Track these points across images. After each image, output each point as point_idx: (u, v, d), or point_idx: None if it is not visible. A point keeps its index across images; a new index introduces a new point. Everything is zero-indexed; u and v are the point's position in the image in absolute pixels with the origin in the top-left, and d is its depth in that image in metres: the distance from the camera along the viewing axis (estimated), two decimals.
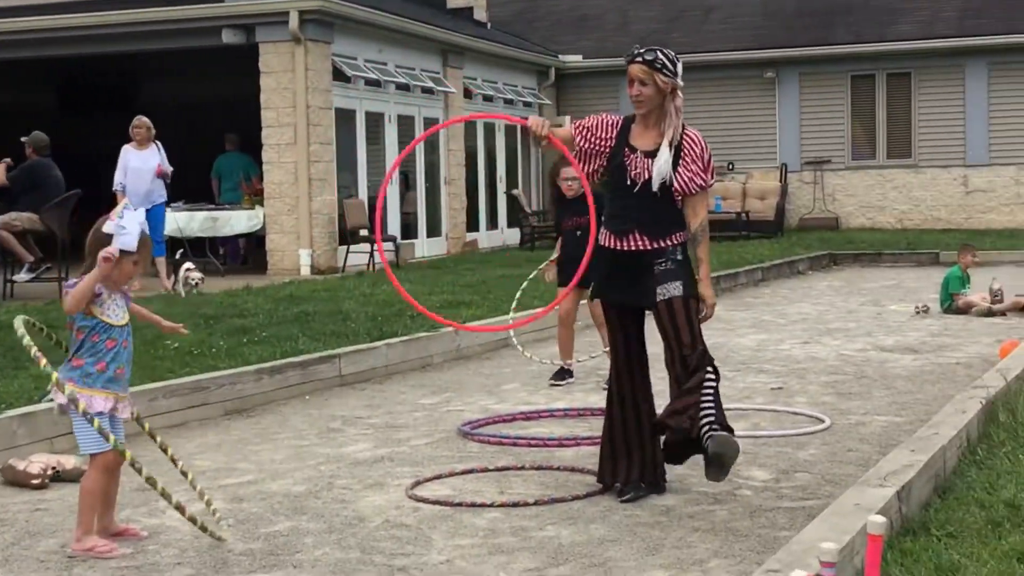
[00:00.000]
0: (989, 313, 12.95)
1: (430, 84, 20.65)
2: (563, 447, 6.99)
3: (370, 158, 19.36)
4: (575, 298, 9.20)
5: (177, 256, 14.94)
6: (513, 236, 23.57)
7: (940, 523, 4.88)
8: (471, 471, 6.42)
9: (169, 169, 14.89)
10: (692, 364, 5.62)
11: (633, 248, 5.76)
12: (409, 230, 20.41)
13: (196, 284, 13.54)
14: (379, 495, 6.00)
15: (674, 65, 5.74)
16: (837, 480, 6.05)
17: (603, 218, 5.96)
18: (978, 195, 24.62)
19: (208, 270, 15.06)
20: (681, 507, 5.67)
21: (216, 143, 19.80)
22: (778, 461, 6.47)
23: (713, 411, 5.57)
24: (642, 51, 5.75)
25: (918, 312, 13.33)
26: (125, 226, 5.08)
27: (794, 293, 16.20)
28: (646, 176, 5.73)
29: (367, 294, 13.34)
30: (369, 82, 19.14)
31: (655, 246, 5.74)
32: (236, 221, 18.14)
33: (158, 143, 14.89)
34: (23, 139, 14.53)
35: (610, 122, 5.91)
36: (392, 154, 19.88)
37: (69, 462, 6.40)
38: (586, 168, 5.94)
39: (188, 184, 17.38)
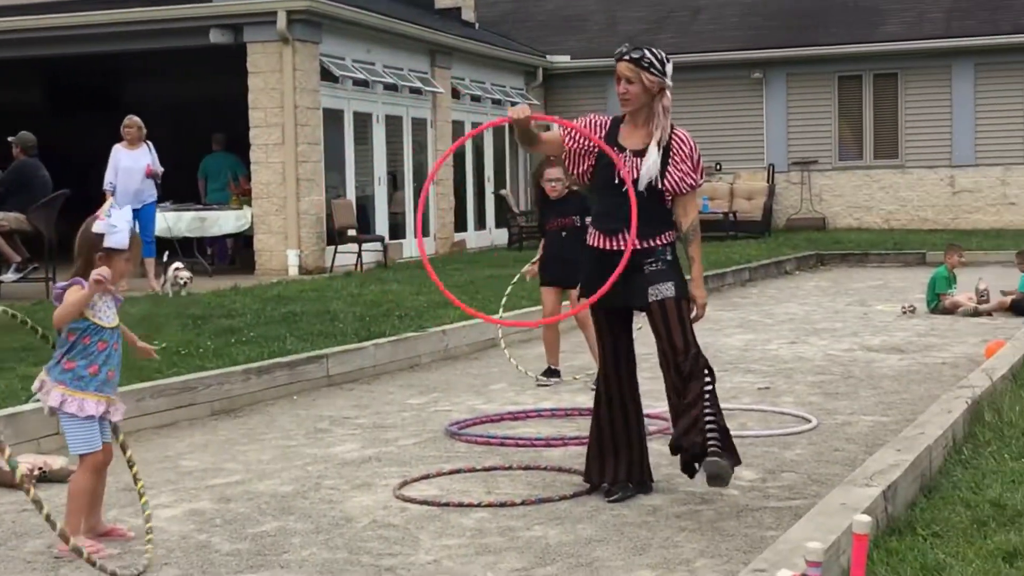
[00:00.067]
0: (975, 313, 13.00)
1: (418, 84, 20.64)
2: (550, 447, 7.00)
3: (358, 158, 19.35)
4: (558, 299, 9.21)
5: (165, 257, 14.91)
6: (501, 236, 23.57)
7: (926, 522, 4.89)
8: (458, 471, 6.43)
9: (160, 169, 14.87)
10: (686, 370, 5.62)
11: (622, 248, 5.74)
12: (397, 230, 20.40)
13: (185, 283, 13.53)
14: (367, 495, 6.00)
15: (663, 65, 5.72)
16: (823, 480, 6.07)
17: (591, 218, 5.97)
18: (964, 195, 24.70)
19: (196, 270, 15.03)
20: (668, 507, 5.68)
21: (203, 143, 19.77)
22: (765, 461, 6.49)
23: (715, 421, 5.58)
24: (630, 49, 5.76)
25: (905, 312, 13.37)
26: (115, 224, 5.08)
27: (781, 293, 16.23)
28: (635, 175, 5.73)
29: (355, 294, 13.34)
30: (357, 82, 19.13)
31: (644, 246, 5.73)
32: (224, 221, 18.12)
33: (149, 143, 14.88)
34: (10, 139, 14.50)
35: (598, 122, 5.91)
36: (380, 154, 19.88)
37: (56, 462, 6.39)
38: (576, 169, 5.93)
39: (175, 184, 17.34)
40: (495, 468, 6.49)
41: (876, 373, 9.42)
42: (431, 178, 6.27)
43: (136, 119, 14.87)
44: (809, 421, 7.49)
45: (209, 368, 8.66)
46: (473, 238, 22.88)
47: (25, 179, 14.04)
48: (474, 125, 23.20)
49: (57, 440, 6.93)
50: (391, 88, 20.00)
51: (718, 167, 25.13)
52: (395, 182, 20.74)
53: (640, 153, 5.74)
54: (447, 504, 5.74)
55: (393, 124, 20.30)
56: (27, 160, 14.19)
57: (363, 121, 19.49)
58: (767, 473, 6.23)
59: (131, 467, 5.31)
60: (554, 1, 29.21)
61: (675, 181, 5.75)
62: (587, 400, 8.35)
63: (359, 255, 17.79)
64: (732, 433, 5.71)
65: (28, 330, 5.35)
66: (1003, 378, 7.57)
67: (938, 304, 13.32)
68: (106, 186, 14.66)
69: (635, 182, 5.72)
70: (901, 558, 4.42)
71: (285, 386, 8.93)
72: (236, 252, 19.54)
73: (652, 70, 5.69)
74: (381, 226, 19.74)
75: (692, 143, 5.82)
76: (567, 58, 26.23)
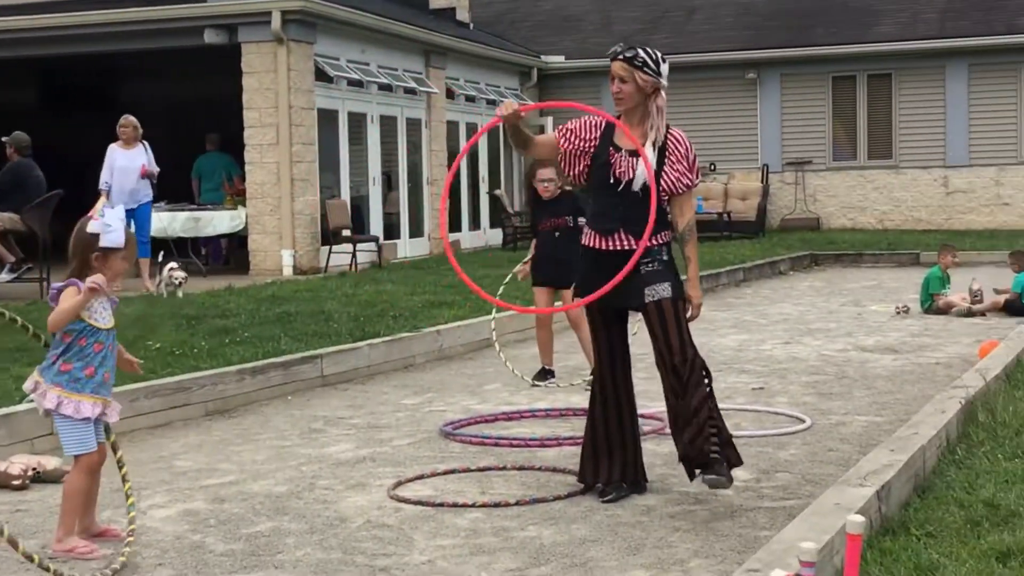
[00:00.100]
0: (969, 313, 13.01)
1: (412, 84, 20.64)
2: (545, 447, 7.00)
3: (352, 158, 19.34)
4: (551, 299, 9.21)
5: (160, 257, 14.89)
6: (495, 236, 23.57)
7: (919, 522, 4.90)
8: (453, 471, 6.43)
9: (156, 169, 14.86)
10: (685, 375, 5.63)
11: (618, 248, 5.75)
12: (391, 231, 20.39)
13: (180, 283, 13.51)
14: (361, 495, 6.00)
15: (657, 64, 5.71)
16: (817, 480, 6.08)
17: (587, 218, 5.97)
18: (958, 196, 24.73)
19: (190, 270, 15.02)
20: (662, 507, 5.69)
21: (198, 143, 19.76)
22: (759, 461, 6.49)
23: (716, 427, 5.61)
24: (624, 49, 5.76)
25: (898, 312, 13.39)
26: (110, 223, 5.08)
27: (775, 293, 16.24)
28: (630, 175, 5.73)
29: (349, 294, 13.33)
30: (351, 82, 19.12)
31: (640, 246, 5.73)
32: (218, 221, 18.10)
33: (145, 143, 14.87)
34: (4, 139, 14.48)
35: (593, 123, 5.91)
36: (375, 155, 19.87)
37: (50, 463, 6.38)
38: (571, 171, 5.92)
39: (169, 185, 17.33)
40: (489, 468, 6.49)
41: (870, 373, 9.43)
42: (452, 173, 6.18)
43: (132, 119, 14.86)
44: (803, 421, 7.50)
45: (203, 368, 8.66)
46: (467, 238, 22.88)
47: (19, 179, 14.03)
48: (468, 125, 23.22)
49: (51, 440, 6.92)
50: (386, 88, 20.00)
51: (712, 167, 25.15)
52: (390, 182, 20.73)
53: (635, 153, 5.74)
54: (441, 504, 5.74)
55: (388, 124, 20.29)
56: (21, 160, 14.18)
57: (358, 121, 19.49)
58: (761, 473, 6.24)
59: (120, 467, 5.30)
60: (549, 1, 29.21)
61: (671, 181, 5.75)
62: (581, 400, 8.35)
63: (353, 255, 17.78)
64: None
65: (19, 328, 5.33)
66: (997, 378, 7.58)
67: (932, 304, 13.34)
68: (102, 186, 14.65)
69: (631, 182, 5.72)
70: (895, 558, 4.43)
71: (279, 386, 8.93)
72: (230, 252, 19.52)
73: (646, 69, 5.70)
74: (375, 226, 19.73)
75: (688, 143, 5.83)
76: (562, 58, 26.24)
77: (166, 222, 17.41)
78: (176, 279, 13.53)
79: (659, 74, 5.72)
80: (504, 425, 7.76)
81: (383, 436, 7.47)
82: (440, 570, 4.83)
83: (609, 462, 5.88)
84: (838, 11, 26.05)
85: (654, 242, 5.74)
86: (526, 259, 9.52)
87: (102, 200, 5.27)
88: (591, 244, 5.86)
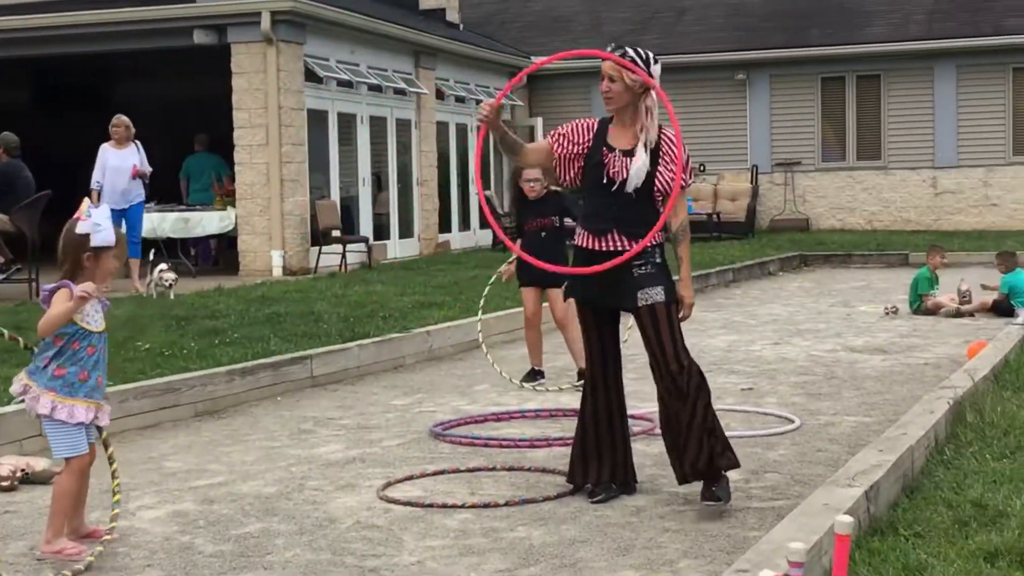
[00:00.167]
0: (957, 314, 13.05)
1: (402, 85, 20.63)
2: (534, 448, 7.01)
3: (342, 159, 19.33)
4: (539, 299, 9.21)
5: (151, 257, 14.86)
6: (485, 237, 23.57)
7: (908, 523, 4.91)
8: (442, 472, 6.43)
9: (148, 170, 14.84)
10: (685, 386, 5.64)
11: (611, 248, 5.74)
12: (381, 231, 20.39)
13: (170, 285, 13.47)
14: (350, 496, 6.00)
15: (647, 64, 5.71)
16: (806, 480, 6.09)
17: (579, 218, 5.97)
18: (947, 197, 24.79)
19: (180, 271, 15.00)
20: (651, 507, 5.69)
21: (188, 143, 19.73)
22: (748, 462, 6.49)
23: (717, 436, 5.65)
24: (614, 48, 5.76)
25: (887, 313, 13.41)
26: (99, 223, 5.07)
27: (765, 294, 16.26)
28: (624, 175, 5.72)
29: (339, 295, 13.33)
30: (341, 83, 19.11)
31: (633, 246, 5.74)
32: (208, 222, 18.08)
33: (137, 143, 14.85)
34: None
35: (586, 126, 5.91)
36: (364, 155, 19.85)
37: (39, 464, 6.37)
38: (566, 175, 5.91)
39: (160, 185, 17.30)
40: (479, 469, 6.49)
41: (859, 374, 9.45)
42: (478, 165, 6.18)
43: (124, 118, 14.84)
44: (792, 422, 7.51)
45: (193, 369, 8.65)
46: (458, 239, 22.88)
47: (8, 180, 13.99)
48: (458, 126, 23.22)
49: (40, 441, 6.90)
50: (375, 89, 19.99)
51: (702, 168, 25.16)
52: (379, 183, 20.73)
53: (629, 153, 5.74)
54: (431, 505, 5.74)
55: (377, 125, 20.28)
56: (10, 161, 14.14)
57: (347, 122, 19.47)
58: (750, 474, 6.25)
59: (111, 463, 5.29)
60: (539, 2, 29.22)
61: (665, 181, 5.75)
62: (570, 401, 8.37)
63: (343, 256, 17.78)
64: None
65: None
66: (985, 379, 7.60)
67: (920, 305, 13.37)
68: (93, 185, 14.64)
69: (624, 182, 5.72)
70: (883, 558, 4.44)
71: (269, 387, 8.92)
72: (220, 253, 19.50)
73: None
74: (365, 227, 19.72)
75: (682, 143, 5.83)
76: None
77: (156, 222, 17.39)
78: (166, 281, 13.49)
79: (649, 73, 5.71)
80: (494, 426, 7.77)
81: (373, 437, 7.47)
82: (429, 571, 4.83)
83: (599, 463, 5.89)
84: (827, 13, 26.09)
85: (646, 244, 5.73)
86: (510, 259, 9.52)
87: (86, 200, 5.23)
88: (584, 245, 5.85)
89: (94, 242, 5.04)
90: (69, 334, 5.04)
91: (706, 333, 11.97)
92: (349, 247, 18.00)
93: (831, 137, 25.41)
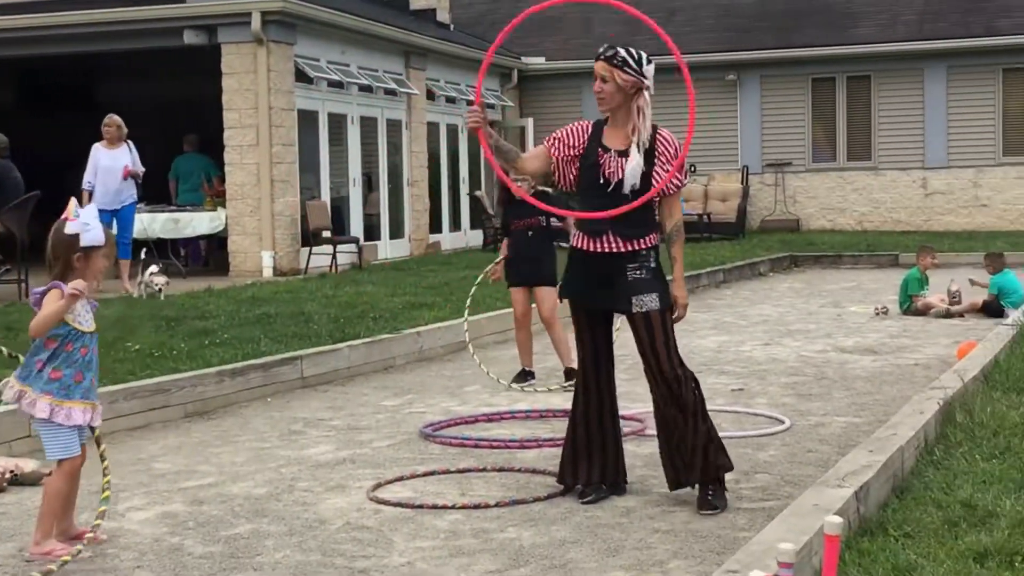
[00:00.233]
0: (947, 315, 13.07)
1: (393, 86, 20.61)
2: (525, 449, 7.00)
3: (333, 160, 19.30)
4: (528, 299, 9.21)
5: (142, 256, 14.80)
6: (476, 237, 23.56)
7: (898, 523, 4.92)
8: (433, 473, 6.43)
9: (140, 169, 14.81)
10: (683, 399, 5.67)
11: (606, 250, 5.74)
12: (372, 232, 20.37)
13: (159, 289, 13.35)
14: (340, 497, 6.00)
15: (639, 64, 5.69)
16: (796, 481, 6.09)
17: (575, 219, 5.96)
18: (937, 197, 24.84)
19: (170, 272, 14.96)
20: (642, 508, 5.69)
21: (178, 144, 19.69)
22: (738, 462, 6.49)
23: (714, 441, 5.71)
24: (605, 48, 5.76)
25: (877, 313, 13.44)
26: (88, 222, 5.07)
27: (755, 295, 16.28)
28: (620, 175, 5.72)
29: (329, 296, 13.32)
30: (332, 83, 19.09)
31: (629, 248, 5.72)
32: (198, 222, 18.05)
33: (130, 143, 14.81)
34: None
35: (580, 128, 5.92)
36: (355, 156, 19.84)
37: (28, 465, 6.36)
38: (564, 179, 5.90)
39: (150, 185, 17.27)
40: (469, 470, 6.49)
41: (849, 374, 9.46)
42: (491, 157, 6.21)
43: (116, 118, 14.81)
44: (782, 422, 7.52)
45: (183, 370, 8.64)
46: (448, 239, 22.87)
47: None
48: (449, 127, 23.20)
49: (29, 443, 6.90)
50: (366, 89, 19.97)
51: (692, 169, 25.19)
52: (370, 184, 20.72)
53: (624, 153, 5.74)
54: (421, 506, 5.74)
55: (368, 125, 20.26)
56: None
57: (338, 122, 19.46)
58: (740, 474, 6.25)
59: (103, 460, 5.27)
60: (529, 3, 29.15)
61: (662, 181, 5.74)
62: (561, 402, 8.37)
63: (334, 256, 17.76)
64: None
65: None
66: (974, 379, 7.61)
67: (910, 305, 13.39)
68: (85, 185, 14.60)
69: (620, 183, 5.72)
70: (873, 559, 4.44)
71: (259, 388, 8.91)
72: (210, 253, 19.47)
73: (626, 68, 5.68)
74: (356, 227, 19.70)
75: (677, 143, 5.83)
76: (542, 60, 26.26)
77: (146, 223, 17.35)
78: (156, 285, 13.37)
79: (641, 74, 5.71)
80: (484, 426, 7.76)
81: (363, 438, 7.47)
82: (419, 572, 4.83)
83: (589, 464, 5.89)
84: (818, 13, 26.13)
85: (641, 245, 5.73)
86: (497, 260, 9.50)
87: (73, 201, 5.22)
88: (579, 245, 5.85)
89: (84, 242, 5.04)
90: (62, 336, 5.03)
91: (696, 334, 11.97)
92: (339, 248, 17.98)
93: (821, 138, 25.45)
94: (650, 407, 6.00)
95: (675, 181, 5.77)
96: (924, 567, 4.35)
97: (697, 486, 5.70)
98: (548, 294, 9.08)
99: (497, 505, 5.73)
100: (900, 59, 24.64)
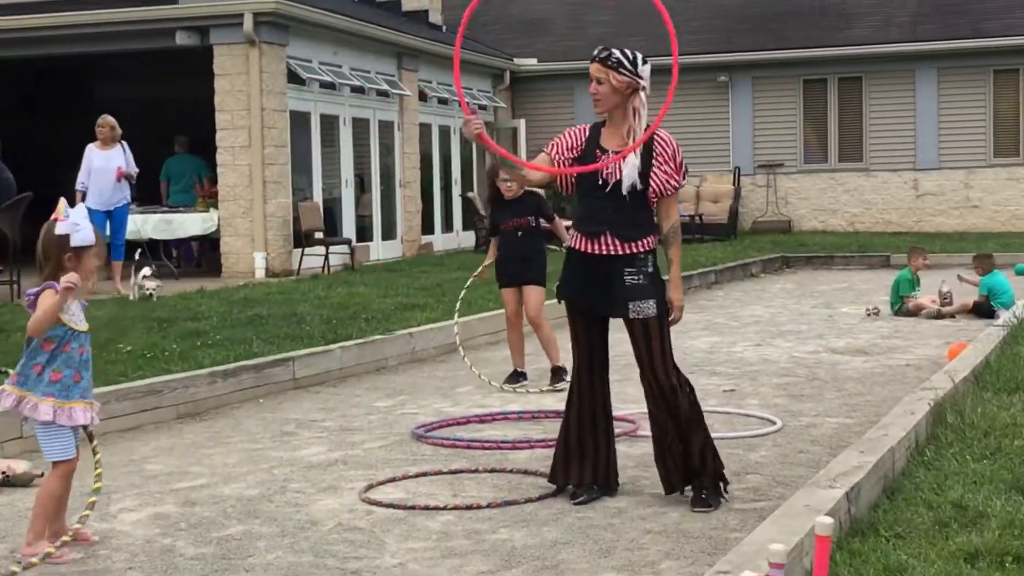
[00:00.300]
0: (938, 315, 13.09)
1: (385, 87, 20.61)
2: (517, 450, 7.01)
3: (325, 161, 19.30)
4: (519, 299, 9.21)
5: (136, 257, 14.78)
6: (468, 239, 23.57)
7: (888, 524, 4.93)
8: (425, 474, 6.43)
9: (134, 170, 14.79)
10: (678, 408, 5.71)
11: (604, 252, 5.74)
12: (364, 233, 20.36)
13: (150, 293, 13.27)
14: (332, 498, 6.00)
15: (634, 64, 5.70)
16: (788, 481, 6.11)
17: (574, 221, 5.97)
18: (928, 198, 24.88)
19: (162, 273, 14.94)
20: (633, 509, 5.70)
21: (169, 145, 19.66)
22: (730, 463, 6.50)
23: (711, 450, 5.76)
24: (600, 50, 5.77)
25: (869, 314, 13.46)
26: (78, 223, 5.08)
27: (747, 296, 16.30)
28: (617, 176, 5.73)
29: (321, 297, 13.31)
30: (324, 84, 19.08)
31: (627, 251, 5.72)
32: (190, 223, 18.03)
33: (124, 144, 14.79)
34: None
35: (578, 130, 5.93)
36: (347, 157, 19.83)
37: (19, 466, 6.35)
38: (564, 183, 5.91)
39: (139, 186, 17.24)
40: (461, 471, 6.50)
41: (840, 375, 9.48)
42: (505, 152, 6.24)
43: (110, 119, 14.79)
44: (774, 423, 7.53)
45: (175, 371, 8.63)
46: (440, 240, 22.87)
47: None
48: (441, 128, 23.20)
49: (20, 444, 6.89)
50: (358, 91, 19.97)
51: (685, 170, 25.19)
52: (362, 185, 20.71)
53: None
54: (413, 507, 5.74)
55: (360, 127, 20.26)
56: None
57: (330, 123, 19.45)
58: (732, 475, 6.24)
59: (95, 454, 5.24)
60: (520, 4, 29.22)
61: (661, 183, 5.75)
62: (553, 403, 8.37)
63: (326, 258, 17.75)
64: None
65: None
66: (965, 380, 7.62)
67: (902, 306, 13.42)
68: (78, 186, 14.59)
69: (618, 183, 5.73)
70: (864, 559, 4.45)
71: (251, 389, 8.91)
72: (202, 255, 19.45)
73: (621, 70, 5.68)
74: (348, 229, 19.70)
75: (675, 144, 5.83)
76: (534, 61, 26.27)
77: (138, 224, 17.31)
78: (147, 289, 13.29)
79: (636, 74, 5.71)
80: (476, 427, 7.77)
81: (355, 439, 7.47)
82: (411, 573, 4.83)
83: (581, 464, 5.90)
84: (809, 15, 26.17)
85: (639, 248, 5.74)
86: (485, 263, 9.49)
87: (62, 201, 5.22)
88: (577, 247, 5.86)
89: (74, 242, 5.04)
90: (59, 336, 5.04)
91: (688, 335, 11.98)
92: (332, 249, 17.97)
93: (813, 139, 25.48)
94: (642, 408, 6.01)
95: (673, 182, 5.78)
96: (915, 568, 4.36)
97: (692, 483, 5.74)
98: (536, 294, 9.09)
99: (489, 506, 5.74)
100: (891, 61, 24.68)
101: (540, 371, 9.68)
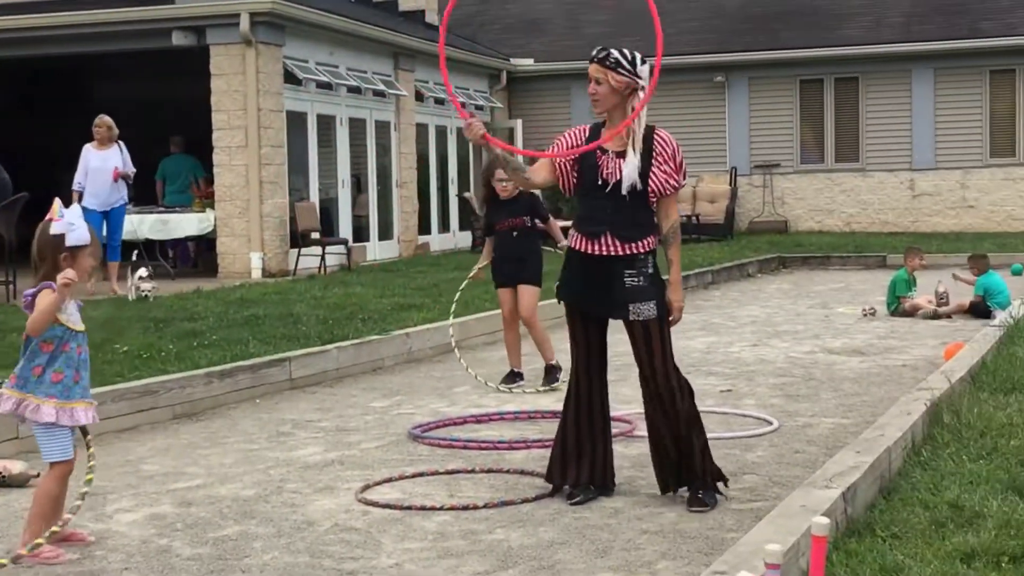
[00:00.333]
0: (935, 316, 13.10)
1: (381, 87, 20.61)
2: (513, 450, 7.01)
3: (321, 161, 19.29)
4: (514, 299, 9.21)
5: (133, 258, 14.75)
6: (465, 239, 23.57)
7: (885, 524, 4.93)
8: (421, 474, 6.43)
9: (131, 170, 14.77)
10: (678, 411, 5.72)
11: (604, 253, 5.73)
12: (361, 233, 20.36)
13: (146, 295, 13.24)
14: (329, 499, 5.99)
15: (633, 64, 5.70)
16: (784, 482, 6.11)
17: (574, 221, 5.97)
18: (924, 199, 24.90)
19: (158, 273, 14.93)
20: (630, 509, 5.70)
21: (165, 145, 19.65)
22: (726, 463, 6.50)
23: (708, 455, 5.79)
24: (598, 50, 5.77)
25: (865, 315, 13.46)
26: (73, 222, 5.08)
27: (744, 296, 16.30)
28: (618, 176, 5.73)
29: (318, 297, 13.31)
30: (320, 85, 19.08)
31: (627, 252, 5.72)
32: (187, 224, 18.02)
33: (121, 143, 14.77)
34: None
35: (579, 130, 5.93)
36: (344, 157, 19.83)
37: (15, 467, 6.34)
38: (567, 182, 5.91)
39: (135, 186, 17.23)
40: (458, 471, 6.49)
41: (837, 375, 9.48)
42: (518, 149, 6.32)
43: (107, 119, 14.78)
44: (770, 423, 7.53)
45: (171, 372, 8.62)
46: (437, 241, 22.87)
47: None
48: (438, 128, 23.20)
49: (15, 445, 6.89)
50: (354, 91, 19.96)
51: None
52: (359, 185, 20.71)
53: (622, 154, 5.74)
54: (409, 507, 5.74)
55: (357, 127, 20.25)
56: None
57: (326, 124, 19.45)
58: (729, 475, 6.24)
59: (88, 447, 5.23)
60: (518, 4, 29.23)
61: (660, 182, 5.74)
62: (549, 403, 8.38)
63: (322, 258, 17.75)
64: None
65: None
66: (961, 380, 7.63)
67: (898, 307, 13.42)
68: (75, 187, 14.57)
69: (619, 183, 5.73)
70: (860, 559, 4.45)
71: (248, 389, 8.90)
72: (198, 255, 19.44)
73: (619, 70, 5.68)
74: (345, 229, 19.70)
75: (675, 144, 5.83)
76: (530, 61, 26.28)
77: (135, 224, 17.31)
78: (143, 291, 13.25)
79: (635, 74, 5.71)
80: (473, 428, 7.76)
81: (351, 439, 7.46)
82: (408, 573, 4.83)
83: (578, 464, 5.90)
84: (805, 15, 26.18)
85: (639, 249, 5.73)
86: (479, 265, 9.46)
87: (57, 201, 5.23)
88: (577, 247, 5.85)
89: (69, 241, 5.04)
90: (58, 337, 5.04)
91: (685, 335, 11.98)
92: (328, 249, 17.97)
93: (809, 139, 25.49)
94: (638, 408, 6.01)
95: (672, 182, 5.78)
96: (911, 568, 4.36)
97: (687, 483, 5.75)
98: (529, 293, 9.10)
99: (485, 506, 5.74)
100: (888, 61, 24.70)
101: (537, 371, 9.67)
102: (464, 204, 23.66)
